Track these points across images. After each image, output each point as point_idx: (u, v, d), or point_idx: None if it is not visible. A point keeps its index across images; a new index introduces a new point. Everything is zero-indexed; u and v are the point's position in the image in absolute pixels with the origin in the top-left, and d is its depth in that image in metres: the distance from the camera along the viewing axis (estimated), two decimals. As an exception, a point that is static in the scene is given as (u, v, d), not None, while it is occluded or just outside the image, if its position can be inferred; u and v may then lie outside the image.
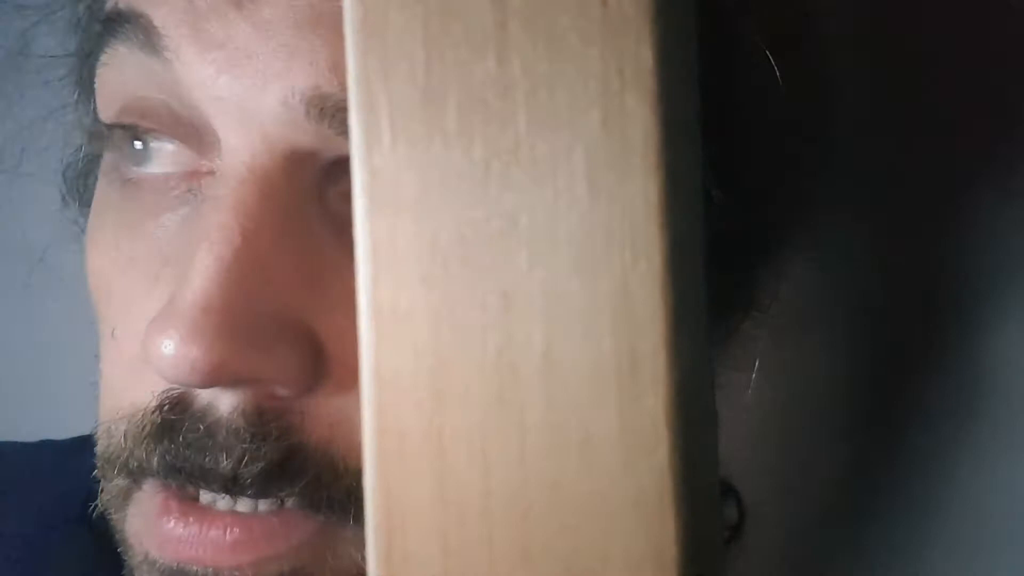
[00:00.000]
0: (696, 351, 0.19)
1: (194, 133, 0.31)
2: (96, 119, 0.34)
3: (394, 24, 0.18)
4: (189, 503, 0.31)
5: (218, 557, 0.30)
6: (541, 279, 0.18)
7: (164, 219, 0.32)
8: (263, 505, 0.31)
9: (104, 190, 0.34)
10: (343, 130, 0.29)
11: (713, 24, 0.27)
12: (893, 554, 0.48)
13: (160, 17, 0.30)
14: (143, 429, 0.31)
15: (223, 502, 0.31)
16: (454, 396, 0.18)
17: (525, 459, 0.18)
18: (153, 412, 0.30)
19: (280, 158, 0.29)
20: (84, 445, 0.35)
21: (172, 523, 0.31)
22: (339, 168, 0.30)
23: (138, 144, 0.33)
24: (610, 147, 0.17)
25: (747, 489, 0.44)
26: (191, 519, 0.31)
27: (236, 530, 0.30)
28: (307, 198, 0.30)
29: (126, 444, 0.31)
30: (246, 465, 0.29)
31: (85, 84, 0.38)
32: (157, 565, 0.31)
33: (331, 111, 0.28)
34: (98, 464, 0.33)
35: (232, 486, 0.30)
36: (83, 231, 0.37)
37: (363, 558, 0.31)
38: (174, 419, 0.30)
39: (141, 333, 0.30)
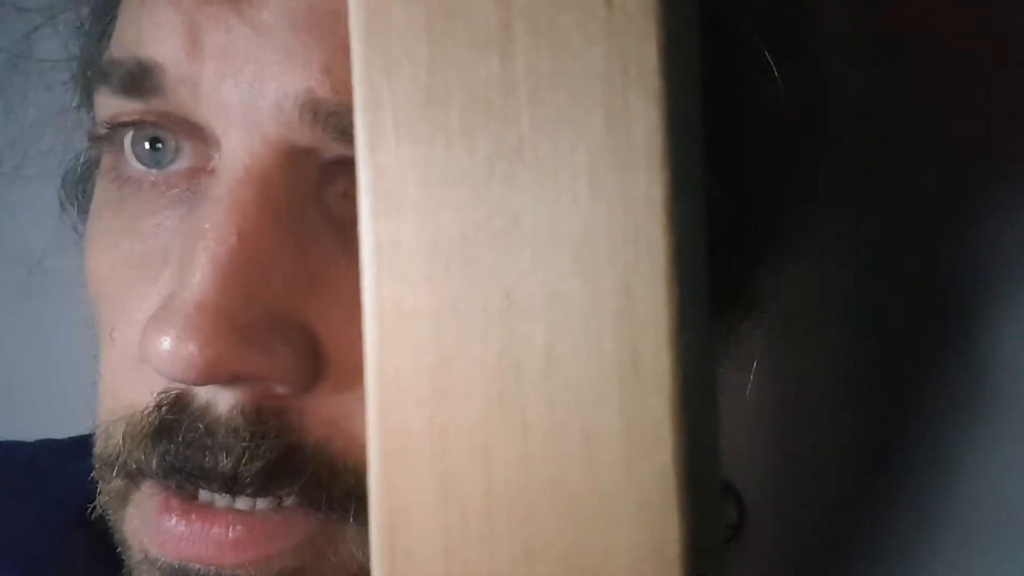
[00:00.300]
0: (699, 350, 0.19)
1: (194, 133, 0.31)
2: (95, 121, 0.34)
3: (397, 23, 0.18)
4: (190, 501, 0.31)
5: (220, 555, 0.30)
6: (544, 278, 0.18)
7: (163, 218, 0.32)
8: (262, 503, 0.31)
9: (103, 191, 0.34)
10: (337, 134, 0.29)
11: (714, 22, 0.27)
12: (893, 554, 0.48)
13: (162, 54, 0.30)
14: (141, 429, 0.31)
15: (222, 500, 0.31)
16: (457, 395, 0.18)
17: (527, 458, 0.18)
18: (151, 412, 0.31)
19: (278, 157, 0.29)
20: (83, 445, 0.35)
21: (173, 521, 0.31)
22: (337, 168, 0.30)
23: (136, 139, 0.33)
24: (613, 147, 0.17)
25: (747, 489, 0.44)
26: (193, 517, 0.31)
27: (238, 527, 0.30)
28: (305, 198, 0.30)
29: (124, 445, 0.31)
30: (246, 464, 0.29)
31: (86, 87, 0.38)
32: (158, 564, 0.31)
33: (324, 115, 0.29)
34: (96, 465, 0.33)
35: (232, 485, 0.30)
36: (82, 236, 0.37)
37: (365, 556, 0.31)
38: (172, 419, 0.30)
39: (139, 333, 0.31)
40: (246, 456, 0.29)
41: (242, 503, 0.31)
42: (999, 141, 0.45)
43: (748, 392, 0.43)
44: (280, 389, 0.30)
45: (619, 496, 0.18)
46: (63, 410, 0.36)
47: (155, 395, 0.31)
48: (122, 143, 0.33)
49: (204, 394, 0.30)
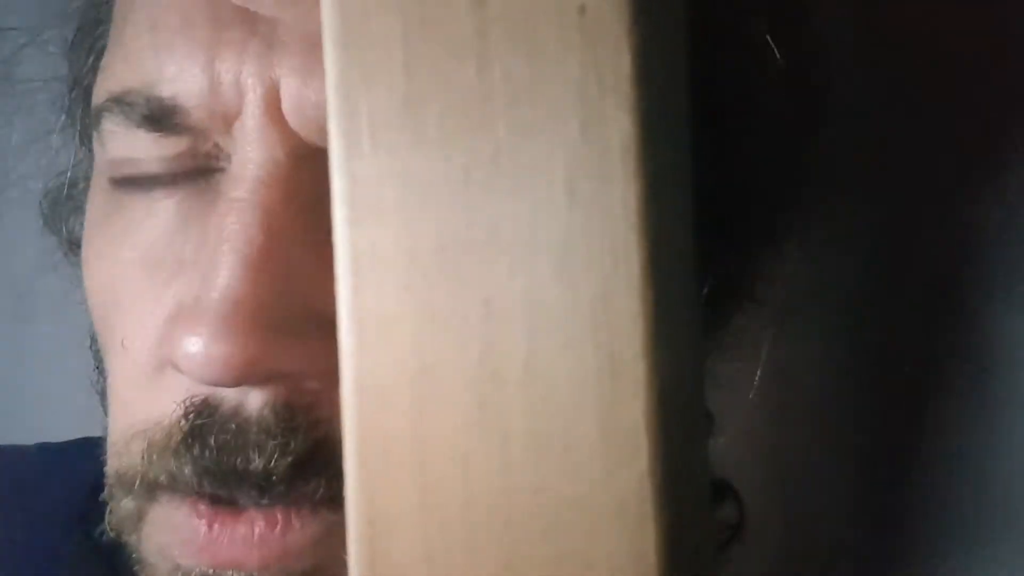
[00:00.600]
0: (681, 356, 0.19)
1: (208, 131, 0.31)
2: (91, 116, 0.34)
3: (374, 32, 0.18)
4: (215, 505, 0.30)
5: (248, 556, 0.30)
6: (522, 286, 0.18)
7: (168, 219, 0.32)
8: (288, 499, 0.30)
9: (99, 201, 0.34)
10: None
11: (708, 16, 0.27)
12: (894, 554, 0.48)
13: (184, 92, 0.30)
14: (169, 439, 0.30)
15: (246, 499, 0.30)
16: (436, 403, 0.18)
17: (507, 466, 0.18)
18: (179, 421, 0.30)
19: (299, 160, 0.29)
20: (82, 448, 0.35)
21: (204, 527, 0.30)
22: None
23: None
24: (589, 154, 0.17)
25: (747, 489, 0.44)
26: (221, 521, 0.30)
27: (260, 523, 0.30)
28: (327, 193, 0.30)
29: (147, 458, 0.31)
30: (276, 460, 0.29)
31: (74, 107, 0.38)
32: (194, 574, 0.30)
33: None
34: (109, 483, 0.33)
35: (264, 483, 0.30)
36: (65, 255, 0.37)
37: None
38: (203, 423, 0.30)
39: (153, 340, 0.30)
40: (277, 453, 0.29)
41: (267, 499, 0.30)
42: (999, 141, 0.45)
43: (750, 392, 0.42)
44: (312, 384, 0.30)
45: (598, 504, 0.18)
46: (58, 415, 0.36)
47: (180, 403, 0.30)
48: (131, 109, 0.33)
49: (232, 396, 0.30)
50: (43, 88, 0.41)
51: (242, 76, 0.30)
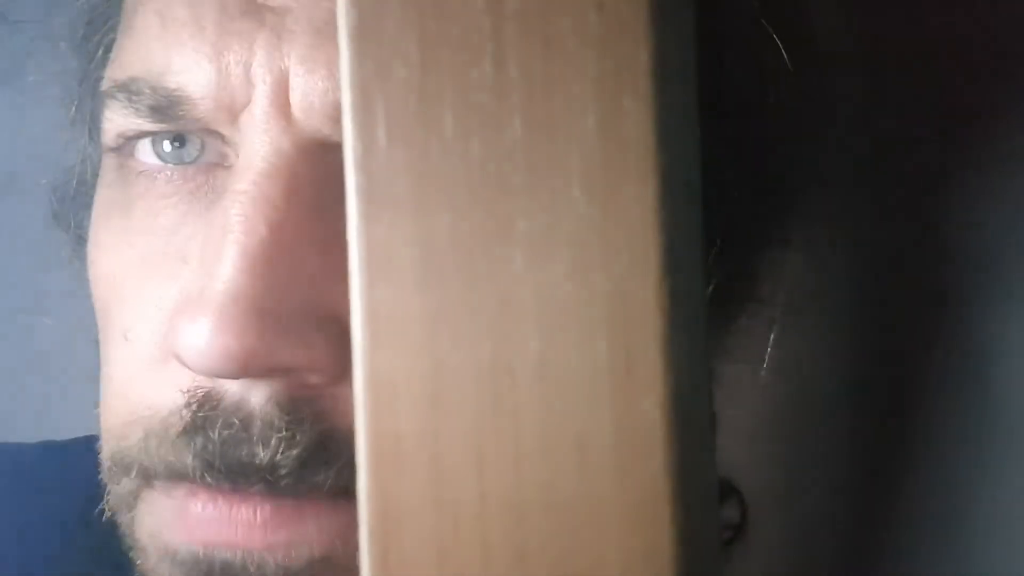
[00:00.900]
0: (693, 354, 0.19)
1: (218, 135, 0.31)
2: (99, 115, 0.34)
3: (389, 27, 0.18)
4: (215, 487, 0.30)
5: (249, 538, 0.30)
6: (537, 282, 0.18)
7: (180, 214, 0.32)
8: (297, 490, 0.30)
9: (108, 194, 0.34)
10: None
11: (712, 16, 0.27)
12: (895, 554, 0.48)
13: (192, 84, 0.30)
14: (170, 428, 0.30)
15: (255, 489, 0.30)
16: (449, 399, 0.18)
17: (520, 462, 0.18)
18: (182, 410, 0.30)
19: (303, 153, 0.30)
20: (85, 446, 0.35)
21: (200, 506, 0.30)
22: None
23: (156, 140, 0.32)
24: (606, 150, 0.17)
25: (749, 489, 0.44)
26: (219, 500, 0.30)
27: (266, 508, 0.30)
28: (331, 187, 0.30)
29: (145, 445, 0.31)
30: (283, 452, 0.29)
31: (84, 100, 0.38)
32: (181, 553, 0.30)
33: None
34: (105, 466, 0.33)
35: (270, 476, 0.29)
36: (74, 250, 0.37)
37: None
38: (206, 415, 0.30)
39: (157, 332, 0.30)
40: (282, 446, 0.29)
41: (275, 491, 0.30)
42: (1000, 141, 0.45)
43: (752, 391, 0.42)
44: (314, 379, 0.30)
45: (611, 501, 0.18)
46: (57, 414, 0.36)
47: (182, 393, 0.30)
48: (134, 146, 0.33)
49: (236, 389, 0.30)
50: (53, 82, 0.41)
51: (252, 67, 0.30)
